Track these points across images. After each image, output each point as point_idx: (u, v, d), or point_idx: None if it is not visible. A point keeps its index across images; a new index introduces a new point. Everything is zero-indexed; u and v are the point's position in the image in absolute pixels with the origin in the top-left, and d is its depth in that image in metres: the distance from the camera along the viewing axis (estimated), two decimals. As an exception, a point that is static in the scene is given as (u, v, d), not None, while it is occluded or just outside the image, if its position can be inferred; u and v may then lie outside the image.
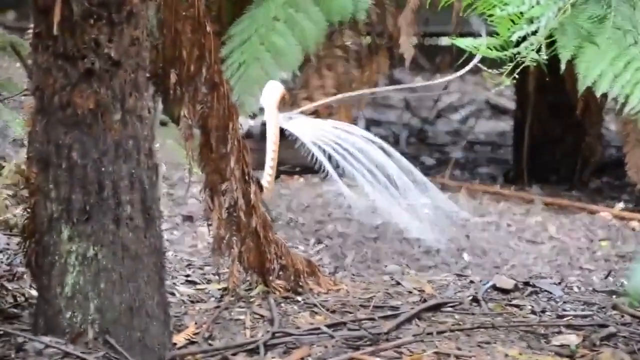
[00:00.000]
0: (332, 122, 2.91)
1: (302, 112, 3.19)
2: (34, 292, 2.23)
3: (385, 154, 2.79)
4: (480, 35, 2.89)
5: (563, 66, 2.76)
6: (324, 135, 2.81)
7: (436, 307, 2.43)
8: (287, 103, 2.98)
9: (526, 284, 2.69)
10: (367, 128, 5.33)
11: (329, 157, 2.76)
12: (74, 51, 2.04)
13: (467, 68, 2.93)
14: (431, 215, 2.78)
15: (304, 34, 3.71)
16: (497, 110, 5.76)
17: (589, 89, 3.11)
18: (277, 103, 2.86)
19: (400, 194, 2.74)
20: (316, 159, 2.76)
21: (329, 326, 2.28)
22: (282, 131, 2.83)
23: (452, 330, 2.30)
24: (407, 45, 3.75)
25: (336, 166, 2.76)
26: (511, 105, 4.98)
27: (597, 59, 3.08)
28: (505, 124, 5.37)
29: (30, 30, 2.12)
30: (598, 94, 3.10)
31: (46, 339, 2.06)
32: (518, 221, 3.18)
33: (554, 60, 3.27)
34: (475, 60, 2.89)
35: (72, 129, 2.06)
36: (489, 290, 2.61)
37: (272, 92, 2.89)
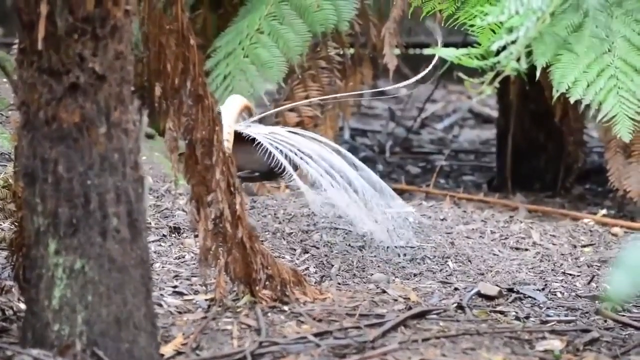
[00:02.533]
0: (289, 129, 2.95)
1: (279, 122, 3.22)
2: (22, 306, 2.25)
3: (341, 157, 2.83)
4: (437, 44, 2.93)
5: (538, 73, 2.80)
6: (283, 140, 2.85)
7: (421, 315, 2.45)
8: (253, 114, 3.02)
9: (510, 290, 2.71)
10: (352, 137, 5.37)
11: (289, 160, 2.80)
12: (58, 66, 2.06)
13: (420, 75, 2.97)
14: (390, 217, 2.83)
15: (288, 46, 3.74)
16: (481, 119, 5.80)
17: (564, 96, 3.15)
18: (237, 114, 2.90)
19: (359, 196, 2.79)
20: (276, 164, 2.80)
21: (315, 335, 2.30)
22: (240, 136, 2.86)
23: (437, 337, 2.32)
24: (390, 56, 3.78)
25: (295, 169, 2.80)
26: (495, 113, 5.02)
27: (571, 67, 3.11)
28: (489, 133, 5.41)
29: (16, 46, 2.14)
30: (572, 101, 3.13)
31: (34, 352, 2.07)
32: (502, 228, 3.20)
33: (535, 68, 3.31)
34: (430, 66, 2.92)
35: (58, 143, 2.07)
36: (473, 297, 2.64)
37: (233, 103, 2.92)
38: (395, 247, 2.93)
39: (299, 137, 2.86)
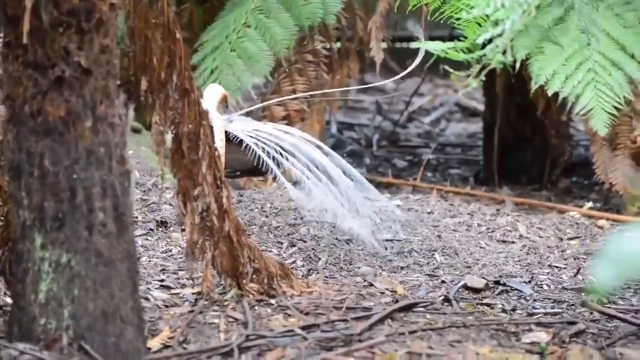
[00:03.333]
0: (272, 124, 2.95)
1: (265, 117, 3.22)
2: (9, 300, 2.24)
3: (323, 153, 2.84)
4: (419, 39, 2.93)
5: (517, 65, 2.80)
6: (265, 137, 2.85)
7: (408, 308, 2.46)
8: (230, 105, 3.01)
9: (497, 283, 2.72)
10: (339, 131, 5.37)
11: (272, 158, 2.80)
12: (44, 60, 2.06)
13: (409, 69, 2.97)
14: (375, 212, 2.84)
15: (275, 40, 3.74)
16: (468, 113, 5.81)
17: (544, 89, 3.15)
18: (217, 105, 2.89)
19: (341, 192, 2.79)
20: (258, 160, 2.80)
21: (302, 328, 2.30)
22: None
23: (423, 330, 2.32)
24: (377, 49, 3.79)
25: (278, 165, 2.80)
26: (482, 107, 5.02)
27: (551, 59, 3.12)
28: (476, 126, 5.42)
29: (1, 40, 2.14)
30: (550, 93, 3.13)
31: (21, 346, 2.07)
32: (489, 221, 3.20)
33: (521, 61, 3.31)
34: (416, 62, 2.93)
35: (44, 137, 2.07)
36: (460, 289, 2.64)
37: (212, 94, 2.92)
38: (383, 240, 2.93)
39: (282, 134, 2.86)
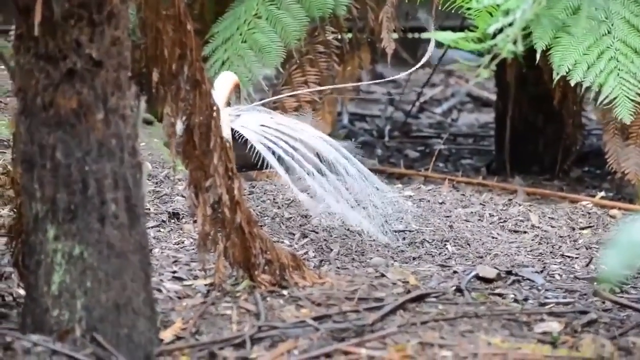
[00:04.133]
0: (280, 117, 2.93)
1: (277, 108, 3.20)
2: (22, 292, 2.25)
3: (332, 147, 2.83)
4: (428, 29, 2.93)
5: (538, 57, 2.80)
6: (271, 134, 2.83)
7: (420, 298, 2.46)
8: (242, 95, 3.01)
9: (509, 273, 2.72)
10: (351, 122, 5.37)
11: (278, 158, 2.79)
12: (55, 52, 2.06)
13: (423, 61, 2.97)
14: (384, 205, 2.84)
15: (286, 31, 3.74)
16: (480, 103, 5.80)
17: (564, 79, 3.15)
18: (228, 95, 2.88)
19: (349, 189, 2.79)
20: (263, 161, 2.80)
21: (314, 319, 2.31)
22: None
23: (435, 320, 2.32)
24: (388, 40, 3.78)
25: (281, 162, 2.80)
26: (494, 97, 5.01)
27: (571, 49, 3.11)
28: (488, 116, 5.41)
29: (13, 32, 2.14)
30: (572, 83, 3.13)
31: (34, 338, 2.08)
32: (501, 211, 3.20)
33: (532, 51, 3.31)
34: (427, 56, 2.93)
35: (56, 129, 2.08)
36: (472, 280, 2.64)
37: (223, 84, 2.91)
38: (395, 231, 2.93)
39: (289, 130, 2.84)
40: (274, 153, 2.81)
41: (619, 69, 3.15)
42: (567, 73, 3.11)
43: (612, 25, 3.15)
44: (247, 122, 2.87)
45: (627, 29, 3.17)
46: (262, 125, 2.86)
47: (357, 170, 2.84)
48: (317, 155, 2.82)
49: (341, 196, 2.80)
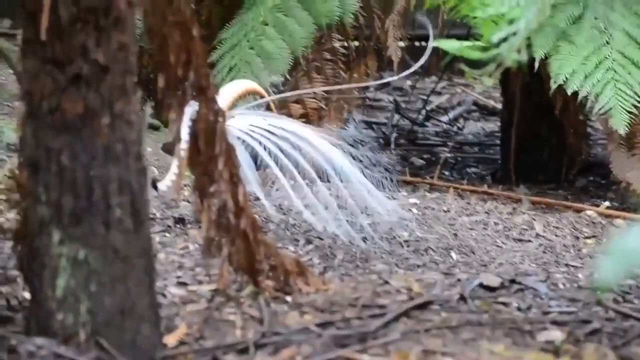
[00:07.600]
0: (274, 118, 2.92)
1: (283, 114, 3.20)
2: (27, 295, 2.26)
3: (333, 152, 2.83)
4: (430, 37, 2.93)
5: (536, 65, 2.80)
6: (260, 134, 2.83)
7: (423, 306, 2.46)
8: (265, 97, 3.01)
9: (512, 281, 2.72)
10: (357, 130, 5.36)
11: (255, 154, 2.80)
12: (62, 56, 2.07)
13: (419, 64, 2.97)
14: (389, 212, 2.84)
15: (293, 38, 3.75)
16: (486, 111, 5.80)
17: (562, 88, 3.15)
18: (235, 99, 2.88)
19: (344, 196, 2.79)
20: (260, 161, 2.80)
21: (317, 325, 2.31)
22: None
23: (438, 328, 2.33)
24: (394, 48, 3.80)
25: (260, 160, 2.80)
26: (499, 106, 5.02)
27: (569, 58, 3.12)
28: (494, 125, 5.41)
29: (20, 36, 2.15)
30: (569, 92, 3.13)
31: (38, 341, 2.09)
32: (505, 220, 3.21)
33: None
34: (422, 59, 2.93)
35: (61, 133, 2.09)
36: (475, 288, 2.64)
37: (233, 88, 2.91)
38: (399, 239, 2.94)
39: (282, 132, 2.84)
40: (269, 154, 2.81)
41: (615, 80, 3.16)
42: (564, 82, 3.11)
43: (611, 36, 3.15)
44: (237, 122, 2.87)
45: (626, 40, 3.17)
46: (251, 125, 2.86)
47: (356, 174, 2.84)
48: (313, 158, 2.82)
49: (319, 198, 2.79)
